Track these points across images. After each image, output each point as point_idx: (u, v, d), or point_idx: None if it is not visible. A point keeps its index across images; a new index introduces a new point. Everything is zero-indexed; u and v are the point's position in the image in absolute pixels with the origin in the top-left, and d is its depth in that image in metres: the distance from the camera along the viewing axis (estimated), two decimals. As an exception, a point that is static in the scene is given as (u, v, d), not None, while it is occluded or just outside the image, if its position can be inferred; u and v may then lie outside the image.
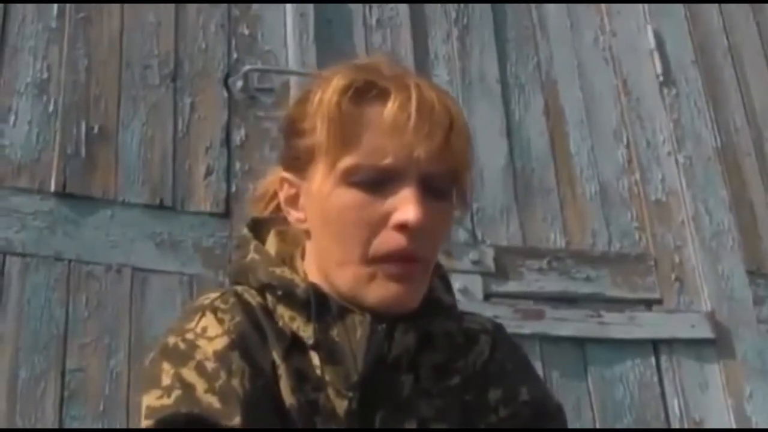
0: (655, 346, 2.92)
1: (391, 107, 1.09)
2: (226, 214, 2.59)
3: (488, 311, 2.60)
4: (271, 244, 1.21)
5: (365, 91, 1.11)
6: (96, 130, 2.56)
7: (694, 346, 2.94)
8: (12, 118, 2.49)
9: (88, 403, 2.29)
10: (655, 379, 2.88)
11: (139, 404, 1.08)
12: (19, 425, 2.22)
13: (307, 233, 1.17)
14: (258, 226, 1.23)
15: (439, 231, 1.13)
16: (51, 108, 2.53)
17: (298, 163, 1.16)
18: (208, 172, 2.63)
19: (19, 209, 2.40)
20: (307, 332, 1.13)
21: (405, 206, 1.08)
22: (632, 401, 2.83)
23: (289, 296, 1.14)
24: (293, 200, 1.18)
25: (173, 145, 2.63)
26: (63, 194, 2.45)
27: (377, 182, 1.09)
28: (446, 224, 1.15)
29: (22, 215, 2.40)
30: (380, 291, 1.10)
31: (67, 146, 2.50)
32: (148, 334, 2.36)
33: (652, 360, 2.90)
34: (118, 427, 2.27)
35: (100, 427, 2.27)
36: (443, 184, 1.12)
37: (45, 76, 2.56)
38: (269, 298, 1.16)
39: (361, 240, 1.09)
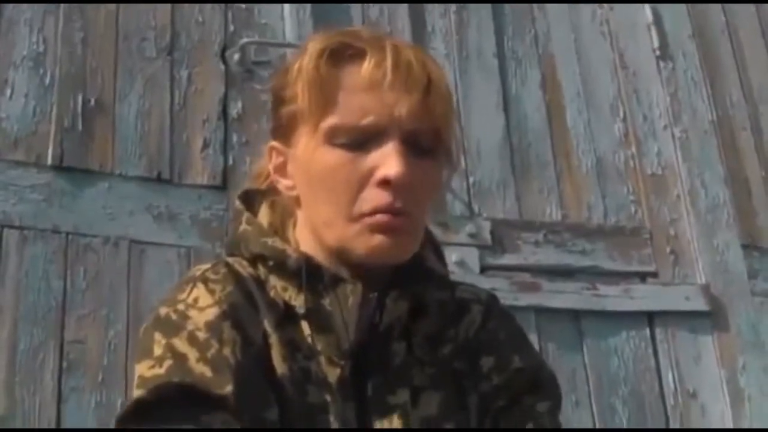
0: (650, 318, 2.93)
1: (366, 66, 1.10)
2: (223, 187, 2.60)
3: (485, 284, 2.59)
4: (264, 215, 1.22)
5: (341, 52, 1.13)
6: (93, 102, 2.55)
7: (688, 318, 2.96)
8: (8, 91, 2.48)
9: (86, 373, 2.30)
10: (650, 351, 2.90)
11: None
12: (19, 396, 2.24)
13: (297, 200, 1.18)
14: (250, 197, 1.24)
15: (425, 187, 1.13)
16: (47, 81, 2.53)
17: (283, 130, 1.17)
18: (206, 145, 2.63)
19: (16, 182, 2.40)
20: (298, 301, 1.13)
21: (387, 162, 1.09)
22: (627, 373, 2.85)
23: (280, 266, 1.15)
24: (282, 168, 1.19)
25: (170, 118, 2.63)
26: (60, 167, 2.45)
27: (360, 141, 1.10)
28: (432, 181, 1.15)
29: (19, 188, 2.40)
30: (368, 242, 1.10)
31: (63, 119, 2.50)
32: (146, 306, 2.37)
33: (647, 332, 2.92)
34: (117, 396, 2.29)
35: (98, 397, 2.29)
36: (427, 141, 1.12)
37: (41, 48, 2.56)
38: (261, 268, 1.17)
39: (347, 198, 1.10)
